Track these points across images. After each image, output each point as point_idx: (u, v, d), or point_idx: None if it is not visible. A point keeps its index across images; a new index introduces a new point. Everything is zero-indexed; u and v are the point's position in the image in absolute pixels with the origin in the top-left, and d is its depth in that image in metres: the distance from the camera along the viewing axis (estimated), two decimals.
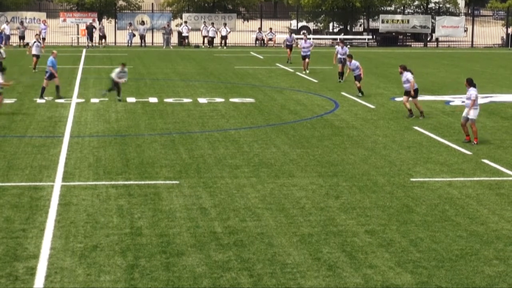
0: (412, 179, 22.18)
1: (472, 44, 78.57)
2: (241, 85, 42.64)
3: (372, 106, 35.12)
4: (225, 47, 71.56)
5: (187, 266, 15.19)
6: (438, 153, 25.59)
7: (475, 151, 25.74)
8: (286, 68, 52.27)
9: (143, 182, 21.49)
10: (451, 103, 36.56)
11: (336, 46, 48.87)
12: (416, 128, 29.07)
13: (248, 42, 76.31)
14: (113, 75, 36.16)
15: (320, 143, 26.10)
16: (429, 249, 16.52)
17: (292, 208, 19.28)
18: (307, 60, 49.37)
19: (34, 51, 47.07)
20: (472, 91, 26.66)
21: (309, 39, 56.63)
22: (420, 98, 32.98)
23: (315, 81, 45.05)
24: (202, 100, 36.94)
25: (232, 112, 33.67)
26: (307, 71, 49.07)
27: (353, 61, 38.29)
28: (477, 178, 22.48)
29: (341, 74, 44.12)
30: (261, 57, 61.86)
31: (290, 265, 15.41)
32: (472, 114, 26.63)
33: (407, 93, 31.67)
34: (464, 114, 26.96)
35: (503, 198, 20.42)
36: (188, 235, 16.90)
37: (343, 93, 39.01)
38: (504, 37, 79.40)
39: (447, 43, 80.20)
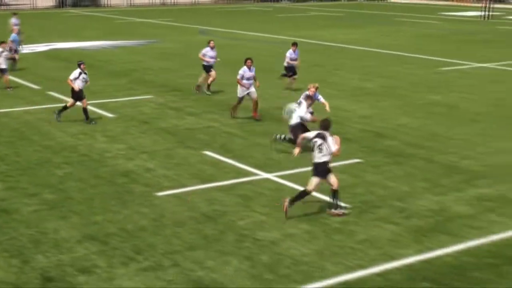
0: None
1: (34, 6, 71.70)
2: None
3: None
4: None
5: None
6: (20, 90, 25.08)
7: (43, 86, 25.54)
8: None
9: None
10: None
11: None
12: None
13: None
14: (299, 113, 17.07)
15: None
16: (14, 162, 16.30)
17: None
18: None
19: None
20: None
21: None
22: None
23: None
24: None
25: None
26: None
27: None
28: (45, 106, 22.41)
29: None
30: None
31: None
32: None
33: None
34: None
35: (66, 118, 20.53)
36: None
37: None
38: None
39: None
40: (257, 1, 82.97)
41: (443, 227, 12.41)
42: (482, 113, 21.80)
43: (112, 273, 10.50)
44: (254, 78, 20.67)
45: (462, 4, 79.33)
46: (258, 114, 20.78)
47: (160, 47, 38.46)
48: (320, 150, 12.77)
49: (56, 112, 20.43)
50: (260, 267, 10.74)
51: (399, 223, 12.61)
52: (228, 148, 17.61)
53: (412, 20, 57.21)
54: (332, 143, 12.79)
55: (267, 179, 15.12)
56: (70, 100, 20.30)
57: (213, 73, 24.61)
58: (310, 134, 13.20)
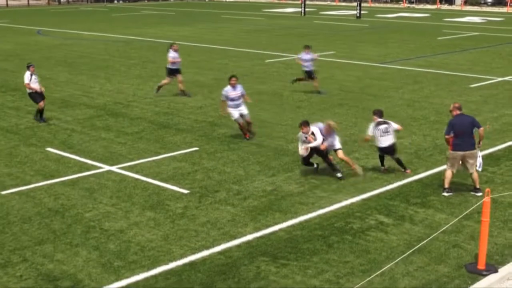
0: None
1: None
2: None
3: None
4: None
5: None
6: None
7: None
8: None
9: None
10: None
11: None
12: None
13: None
14: None
15: None
16: None
17: None
18: None
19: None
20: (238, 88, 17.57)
21: None
22: None
23: None
24: None
25: None
26: None
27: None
28: None
29: None
30: None
31: None
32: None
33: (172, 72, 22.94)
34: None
35: None
36: None
37: None
38: None
39: None
40: (91, 2, 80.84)
41: (276, 205, 12.73)
42: (304, 100, 22.53)
43: None
44: (243, 96, 17.50)
45: (282, 1, 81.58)
46: (250, 134, 17.65)
47: None
48: (388, 133, 14.11)
49: (38, 118, 19.47)
50: (109, 255, 10.50)
51: (236, 204, 12.78)
52: (70, 144, 17.06)
53: (239, 17, 58.06)
54: (395, 124, 14.37)
55: (110, 171, 14.81)
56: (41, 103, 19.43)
57: (180, 77, 22.87)
58: (369, 128, 14.26)
